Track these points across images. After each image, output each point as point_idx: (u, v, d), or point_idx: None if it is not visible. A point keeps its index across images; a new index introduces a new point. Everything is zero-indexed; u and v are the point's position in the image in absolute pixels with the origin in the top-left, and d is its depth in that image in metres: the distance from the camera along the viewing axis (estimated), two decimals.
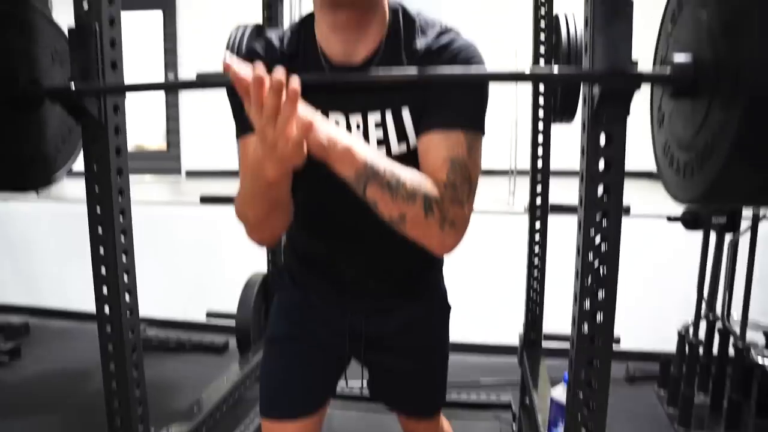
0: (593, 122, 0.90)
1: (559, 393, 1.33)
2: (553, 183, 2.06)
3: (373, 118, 0.97)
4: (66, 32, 1.12)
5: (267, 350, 1.24)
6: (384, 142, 0.98)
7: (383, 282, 1.15)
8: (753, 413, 2.35)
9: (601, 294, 0.98)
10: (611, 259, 0.97)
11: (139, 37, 5.40)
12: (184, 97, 5.34)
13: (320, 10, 0.98)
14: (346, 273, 1.13)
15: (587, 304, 0.99)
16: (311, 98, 0.85)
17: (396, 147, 0.99)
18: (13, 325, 3.46)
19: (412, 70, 0.92)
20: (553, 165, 2.04)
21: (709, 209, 2.21)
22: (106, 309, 1.18)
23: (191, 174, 5.34)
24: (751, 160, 0.74)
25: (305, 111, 0.79)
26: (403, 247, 0.97)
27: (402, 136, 0.98)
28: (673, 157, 0.94)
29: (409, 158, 0.95)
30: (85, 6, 1.10)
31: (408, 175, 0.88)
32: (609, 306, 0.98)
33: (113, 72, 1.13)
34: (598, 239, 0.97)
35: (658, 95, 1.02)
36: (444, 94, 0.94)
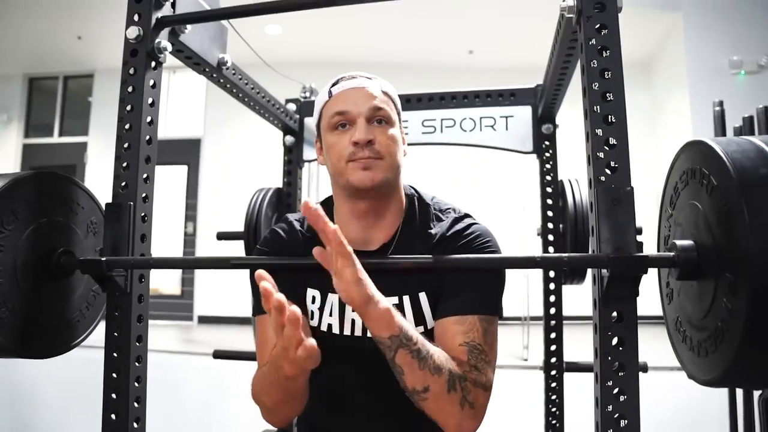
0: (603, 302, 0.93)
1: None
2: (568, 332, 2.03)
3: (391, 302, 1.01)
4: (102, 205, 1.21)
5: None
6: None
7: None
8: None
9: None
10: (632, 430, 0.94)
11: (161, 186, 5.69)
12: (201, 244, 5.50)
13: (340, 197, 1.05)
14: None
15: None
16: (328, 282, 0.90)
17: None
18: None
19: (427, 257, 0.96)
20: (567, 311, 2.03)
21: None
22: None
23: (203, 319, 5.34)
24: (765, 346, 0.75)
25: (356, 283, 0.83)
26: (419, 428, 0.96)
27: (420, 319, 1.01)
28: (685, 334, 0.95)
29: (426, 338, 0.97)
30: (123, 184, 1.19)
31: (437, 350, 0.90)
32: None
33: (142, 244, 1.19)
34: (616, 415, 0.96)
35: (664, 271, 1.05)
36: (460, 279, 0.98)
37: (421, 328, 1.01)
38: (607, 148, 0.95)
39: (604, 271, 0.91)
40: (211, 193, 5.96)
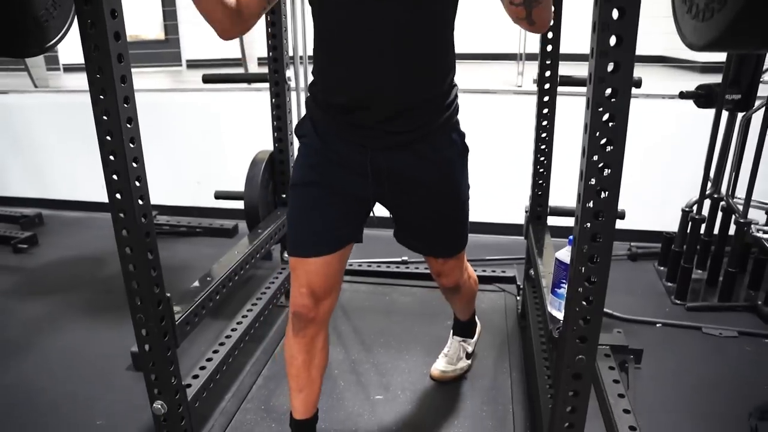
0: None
1: (564, 254, 1.31)
2: (564, 66, 2.00)
3: None
4: None
5: (290, 195, 1.30)
6: None
7: (401, 113, 1.18)
8: (746, 285, 2.47)
9: (606, 171, 0.97)
10: (618, 135, 0.95)
11: None
12: None
13: None
14: (366, 103, 1.17)
15: (593, 180, 0.98)
16: None
17: None
18: (27, 216, 3.53)
19: None
20: (565, 48, 1.97)
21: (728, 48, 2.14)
22: (118, 195, 1.19)
23: (192, 64, 5.19)
24: None
25: None
26: (423, 75, 1.10)
27: None
28: (692, 3, 0.91)
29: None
30: None
31: None
32: (614, 183, 0.97)
33: None
34: (606, 116, 0.94)
35: None
36: None
37: None
38: None
39: None
40: None
